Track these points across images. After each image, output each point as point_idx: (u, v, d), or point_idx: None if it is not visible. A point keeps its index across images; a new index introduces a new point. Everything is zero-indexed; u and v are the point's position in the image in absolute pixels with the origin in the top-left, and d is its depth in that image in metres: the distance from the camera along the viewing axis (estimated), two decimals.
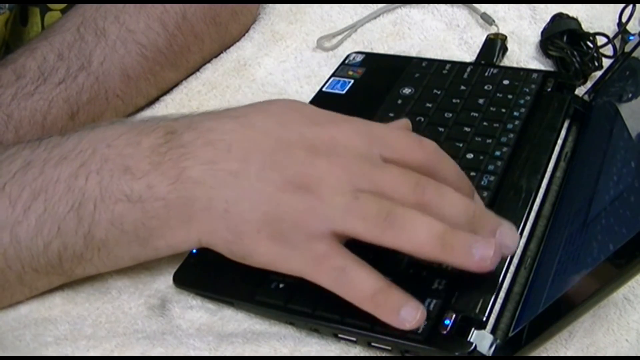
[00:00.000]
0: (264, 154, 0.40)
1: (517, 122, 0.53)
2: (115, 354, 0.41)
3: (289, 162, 0.40)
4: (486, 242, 0.39)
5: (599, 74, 0.58)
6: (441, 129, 0.53)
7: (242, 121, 0.41)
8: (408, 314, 0.38)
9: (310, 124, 0.41)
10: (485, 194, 0.47)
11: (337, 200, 0.39)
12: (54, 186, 0.40)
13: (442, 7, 0.67)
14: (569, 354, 0.40)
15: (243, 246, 0.40)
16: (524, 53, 0.62)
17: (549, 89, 0.56)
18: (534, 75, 0.57)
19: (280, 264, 0.40)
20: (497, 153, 0.50)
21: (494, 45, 0.62)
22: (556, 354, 0.40)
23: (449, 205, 0.40)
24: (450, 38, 0.65)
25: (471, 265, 0.39)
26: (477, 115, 0.54)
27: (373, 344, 0.41)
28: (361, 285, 0.39)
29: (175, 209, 0.40)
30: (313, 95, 0.60)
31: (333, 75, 0.61)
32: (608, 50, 0.59)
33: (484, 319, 0.40)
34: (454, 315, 0.40)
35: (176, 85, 0.62)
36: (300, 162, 0.40)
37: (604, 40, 0.59)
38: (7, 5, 0.57)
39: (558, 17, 0.62)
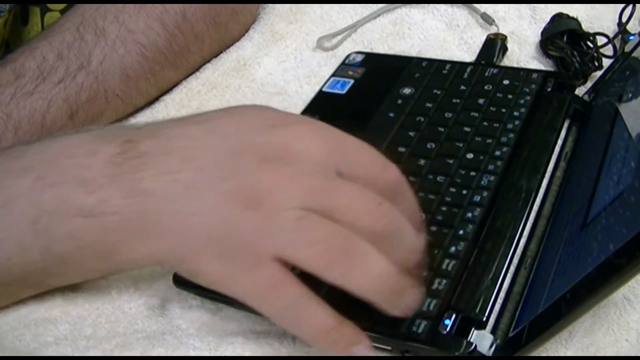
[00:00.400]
0: (218, 163, 0.37)
1: (517, 122, 0.53)
2: (115, 354, 0.41)
3: (238, 171, 0.37)
4: (418, 293, 0.38)
5: (599, 74, 0.58)
6: (441, 129, 0.53)
7: (204, 127, 0.39)
8: (362, 351, 0.37)
9: (267, 128, 0.38)
10: (485, 194, 0.47)
11: (281, 219, 0.36)
12: (15, 200, 0.39)
13: (442, 7, 0.67)
14: (569, 354, 0.40)
15: (192, 264, 0.37)
16: (524, 53, 0.62)
17: (549, 89, 0.56)
18: (534, 75, 0.57)
19: (226, 286, 0.37)
20: (497, 153, 0.50)
21: (494, 45, 0.62)
22: (556, 354, 0.40)
23: (405, 244, 0.37)
24: (450, 38, 0.65)
25: (399, 313, 0.38)
26: (477, 115, 0.54)
27: (373, 344, 0.40)
28: (313, 321, 0.36)
29: (129, 224, 0.37)
30: (313, 95, 0.60)
31: (333, 75, 0.61)
32: (608, 50, 0.59)
33: (484, 319, 0.40)
34: (454, 315, 0.40)
35: (176, 85, 0.62)
36: (249, 172, 0.37)
37: (604, 40, 0.59)
38: (7, 6, 0.57)
39: (558, 17, 0.62)
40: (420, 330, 0.39)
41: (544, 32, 0.62)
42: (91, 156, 0.38)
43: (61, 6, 0.62)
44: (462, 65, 0.59)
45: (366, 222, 0.36)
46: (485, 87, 0.56)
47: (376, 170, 0.38)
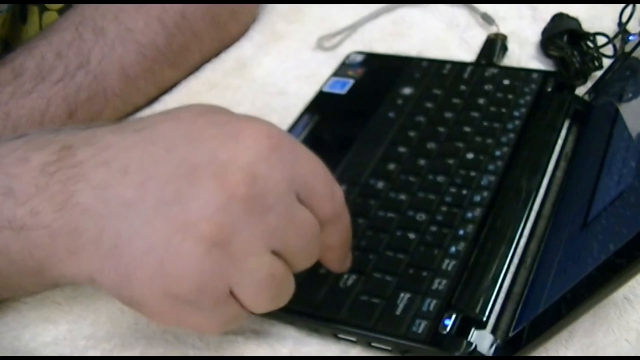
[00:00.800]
0: (165, 180, 0.33)
1: (517, 122, 0.53)
2: (115, 353, 0.41)
3: (192, 194, 0.33)
4: None
5: (599, 74, 0.58)
6: (441, 129, 0.53)
7: (146, 134, 0.35)
8: None
9: (226, 139, 0.34)
10: (485, 193, 0.47)
11: (250, 265, 0.33)
12: None
13: (442, 7, 0.67)
14: (569, 354, 0.40)
15: (132, 292, 0.34)
16: (524, 53, 0.62)
17: (549, 89, 0.56)
18: (534, 75, 0.57)
19: (177, 323, 0.35)
20: (497, 153, 0.50)
21: (494, 45, 0.62)
22: (556, 354, 0.40)
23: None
24: (450, 38, 0.65)
25: None
26: (477, 115, 0.54)
27: (373, 344, 0.41)
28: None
29: (61, 240, 0.34)
30: (313, 95, 0.60)
31: (333, 75, 0.61)
32: (608, 50, 0.59)
33: (484, 319, 0.40)
34: (454, 315, 0.40)
35: (175, 84, 0.62)
36: (208, 198, 0.33)
37: (604, 40, 0.59)
38: (5, 6, 0.57)
39: (558, 17, 0.62)
40: (420, 330, 0.39)
41: (544, 32, 0.62)
42: (22, 163, 0.35)
43: (59, 6, 0.62)
44: (462, 65, 0.59)
45: (302, 265, 0.37)
46: (485, 87, 0.56)
47: (328, 196, 0.37)
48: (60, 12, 0.61)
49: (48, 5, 0.62)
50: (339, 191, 0.38)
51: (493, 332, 0.40)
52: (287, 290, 0.36)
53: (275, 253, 0.35)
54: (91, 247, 0.34)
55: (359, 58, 0.63)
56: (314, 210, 0.36)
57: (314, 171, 0.36)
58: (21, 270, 0.36)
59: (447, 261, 0.43)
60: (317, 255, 0.38)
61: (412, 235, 0.44)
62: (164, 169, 0.33)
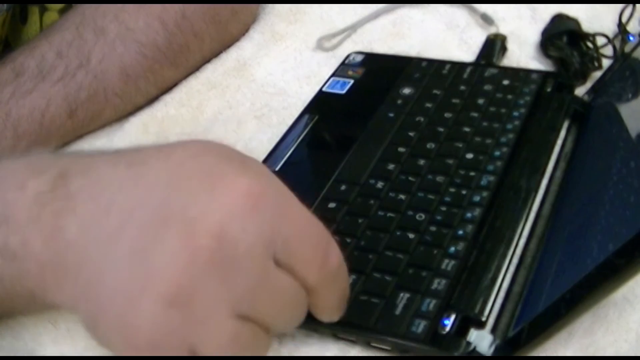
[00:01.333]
0: (140, 226, 0.32)
1: (516, 122, 0.53)
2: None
3: (159, 249, 0.32)
4: None
5: (599, 74, 0.58)
6: (441, 129, 0.53)
7: (135, 171, 0.34)
8: None
9: (201, 192, 0.32)
10: (484, 194, 0.47)
11: (210, 327, 0.32)
12: None
13: (442, 7, 0.67)
14: (568, 354, 0.40)
15: (97, 332, 0.34)
16: (523, 53, 0.62)
17: (549, 89, 0.56)
18: (534, 75, 0.57)
19: None
20: (497, 153, 0.50)
21: (494, 45, 0.62)
22: (555, 354, 0.40)
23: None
24: (450, 38, 0.65)
25: None
26: (476, 115, 0.54)
27: (372, 344, 0.41)
28: None
29: (48, 271, 0.34)
30: (313, 95, 0.60)
31: (333, 75, 0.61)
32: (608, 50, 0.59)
33: (484, 318, 0.40)
34: (453, 315, 0.40)
35: (176, 84, 0.62)
36: (171, 257, 0.31)
37: (604, 40, 0.59)
38: (4, 6, 0.57)
39: (558, 18, 0.62)
40: (419, 330, 0.39)
41: (544, 33, 0.62)
42: (19, 190, 0.35)
43: (59, 6, 0.62)
44: (462, 65, 0.59)
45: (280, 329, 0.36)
46: (485, 88, 0.56)
47: (315, 263, 0.34)
48: (61, 12, 0.62)
49: (48, 6, 0.62)
50: (333, 256, 0.35)
51: (492, 332, 0.40)
52: (258, 349, 0.34)
53: (244, 316, 0.33)
54: (72, 280, 0.34)
55: (359, 58, 0.63)
56: (296, 276, 0.34)
57: (300, 234, 0.34)
58: (14, 296, 0.36)
59: (446, 261, 0.43)
60: (300, 317, 0.35)
61: (411, 235, 0.44)
62: (142, 214, 0.33)
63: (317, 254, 0.34)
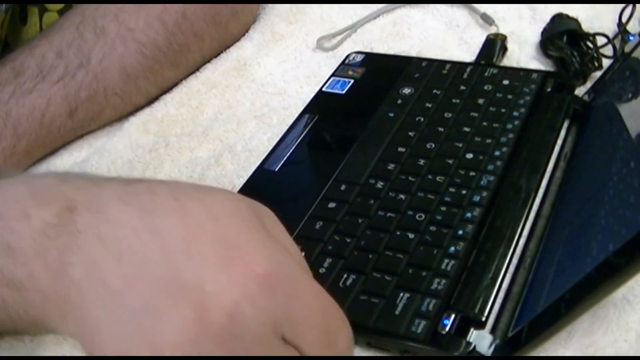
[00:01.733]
0: (150, 287, 0.32)
1: (516, 122, 0.53)
2: None
3: (169, 316, 0.32)
4: None
5: (599, 74, 0.58)
6: (441, 129, 0.53)
7: (149, 222, 0.33)
8: None
9: (218, 268, 0.32)
10: (484, 194, 0.47)
11: None
12: None
13: (442, 7, 0.67)
14: (568, 354, 0.40)
15: None
16: (524, 53, 0.62)
17: (549, 89, 0.56)
18: (534, 75, 0.57)
19: None
20: (497, 153, 0.50)
21: (494, 45, 0.62)
22: (555, 354, 0.40)
23: None
24: (450, 38, 0.65)
25: None
26: (476, 115, 0.54)
27: (372, 343, 0.41)
28: None
29: (53, 304, 0.34)
30: (313, 95, 0.60)
31: (333, 75, 0.61)
32: (608, 50, 0.59)
33: (483, 318, 0.40)
34: (453, 315, 0.40)
35: (176, 84, 0.62)
36: (181, 326, 0.31)
37: (604, 40, 0.59)
38: (3, 6, 0.57)
39: (558, 17, 0.62)
40: (419, 330, 0.39)
41: (543, 32, 0.62)
42: (24, 220, 0.35)
43: (59, 6, 0.62)
44: (462, 65, 0.59)
45: None
46: (485, 88, 0.56)
47: (320, 346, 0.34)
48: (61, 12, 0.62)
49: (48, 6, 0.62)
50: (342, 340, 0.35)
51: (492, 332, 0.40)
52: None
53: None
54: (75, 319, 0.34)
55: (359, 58, 0.63)
56: (302, 353, 0.34)
57: (309, 318, 0.34)
58: (18, 321, 0.36)
59: (446, 261, 0.43)
60: None
61: (411, 235, 0.44)
62: (154, 274, 0.32)
63: (324, 339, 0.34)
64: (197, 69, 0.63)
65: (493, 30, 0.64)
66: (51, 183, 0.36)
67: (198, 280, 0.32)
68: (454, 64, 0.60)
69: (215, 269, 0.32)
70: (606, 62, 0.58)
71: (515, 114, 0.53)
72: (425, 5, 0.67)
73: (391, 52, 0.64)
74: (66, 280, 0.34)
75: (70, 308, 0.34)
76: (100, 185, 0.36)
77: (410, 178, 0.49)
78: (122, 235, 0.33)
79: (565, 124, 0.54)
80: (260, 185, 0.52)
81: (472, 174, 0.48)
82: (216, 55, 0.64)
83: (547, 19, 0.62)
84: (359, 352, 0.41)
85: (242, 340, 0.32)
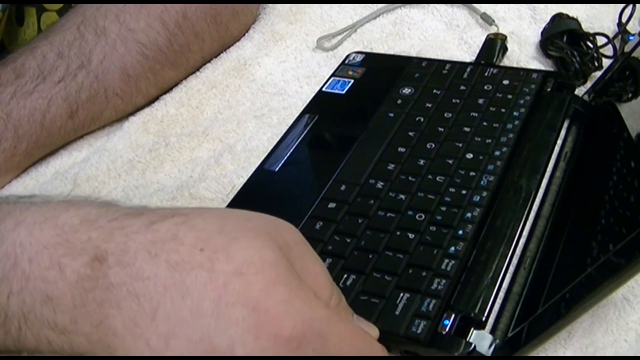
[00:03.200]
0: (185, 346, 0.34)
1: (516, 122, 0.53)
2: None
3: None
4: None
5: (598, 74, 0.58)
6: (441, 129, 0.53)
7: (177, 280, 0.34)
8: None
9: (247, 332, 0.33)
10: (484, 194, 0.47)
11: None
12: None
13: (442, 7, 0.67)
14: (568, 354, 0.40)
15: None
16: (524, 53, 0.62)
17: (549, 89, 0.56)
18: (534, 75, 0.57)
19: None
20: (497, 153, 0.50)
21: (494, 45, 0.62)
22: (555, 354, 0.40)
23: None
24: (450, 38, 0.65)
25: None
26: (476, 115, 0.54)
27: None
28: None
29: (98, 348, 0.35)
30: (313, 95, 0.60)
31: (333, 75, 0.61)
32: (608, 50, 0.59)
33: (483, 319, 0.40)
34: (453, 316, 0.40)
35: (176, 84, 0.62)
36: None
37: (604, 40, 0.59)
38: (1, 5, 0.57)
39: (558, 17, 0.62)
40: (419, 331, 0.39)
41: (544, 32, 0.62)
42: (57, 271, 0.35)
43: (58, 6, 0.62)
44: (462, 65, 0.59)
45: None
46: (485, 87, 0.56)
47: None
48: (60, 12, 0.61)
49: (47, 6, 0.62)
50: (377, 348, 0.36)
51: (492, 332, 0.41)
52: None
53: None
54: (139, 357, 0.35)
55: (359, 58, 0.63)
56: None
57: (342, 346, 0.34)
58: (61, 354, 0.37)
59: (446, 261, 0.43)
60: None
61: (411, 235, 0.45)
62: (187, 335, 0.33)
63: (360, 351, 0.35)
64: (198, 69, 0.63)
65: (493, 30, 0.64)
66: (76, 225, 0.36)
67: (228, 344, 0.33)
68: (454, 63, 0.60)
69: (244, 333, 0.33)
70: (606, 62, 0.58)
71: (515, 113, 0.53)
72: (425, 5, 0.67)
73: (391, 52, 0.64)
74: (109, 332, 0.34)
75: (116, 353, 0.35)
76: (125, 228, 0.36)
77: (410, 178, 0.49)
78: (154, 292, 0.34)
79: (565, 124, 0.54)
80: (260, 186, 0.52)
81: (472, 174, 0.48)
82: (216, 55, 0.64)
83: (547, 19, 0.62)
84: None
85: None
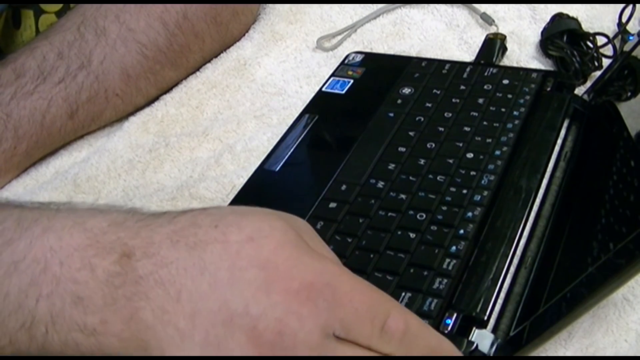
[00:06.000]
0: (208, 320, 0.35)
1: (516, 122, 0.53)
2: None
3: (228, 346, 0.34)
4: None
5: (598, 73, 0.58)
6: (441, 129, 0.53)
7: (195, 258, 0.36)
8: None
9: (259, 290, 0.34)
10: (485, 193, 0.47)
11: None
12: (4, 299, 0.37)
13: (442, 7, 0.67)
14: (569, 354, 0.40)
15: None
16: (523, 53, 0.62)
17: (549, 89, 0.56)
18: (534, 75, 0.57)
19: None
20: (497, 153, 0.50)
21: (494, 45, 0.62)
22: (556, 354, 0.40)
23: None
24: (450, 38, 0.65)
25: None
26: (476, 115, 0.54)
27: None
28: None
29: (130, 345, 0.36)
30: (313, 95, 0.60)
31: (333, 75, 0.61)
32: (608, 50, 0.59)
33: (485, 318, 0.40)
34: (455, 315, 0.40)
35: (176, 84, 0.62)
36: (240, 353, 0.34)
37: (604, 40, 0.59)
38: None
39: (558, 17, 0.62)
40: None
41: (543, 32, 0.62)
42: (88, 270, 0.36)
43: (56, 7, 0.62)
44: (462, 65, 0.59)
45: None
46: (485, 87, 0.56)
47: (375, 333, 0.35)
48: (58, 13, 0.61)
49: (45, 8, 0.62)
50: (395, 322, 0.35)
51: (494, 331, 0.41)
52: None
53: None
54: (156, 353, 0.36)
55: (359, 58, 0.63)
56: (360, 345, 0.35)
57: (355, 313, 0.35)
58: (88, 355, 0.37)
59: (447, 260, 0.43)
60: None
61: (412, 235, 0.45)
62: (208, 307, 0.35)
63: (376, 326, 0.35)
64: (198, 69, 0.63)
65: (493, 30, 0.64)
66: (105, 228, 0.37)
67: (244, 306, 0.34)
68: (454, 63, 0.60)
69: (256, 292, 0.34)
70: (606, 62, 0.58)
71: (516, 113, 0.53)
72: (425, 5, 0.67)
73: (391, 52, 0.64)
74: (141, 325, 0.35)
75: (150, 349, 0.36)
76: (150, 225, 0.37)
77: (410, 178, 0.49)
78: (176, 275, 0.35)
79: (565, 124, 0.54)
80: (260, 186, 0.52)
81: (472, 173, 0.49)
82: (216, 55, 0.64)
83: (547, 18, 0.62)
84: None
85: (295, 350, 0.34)
